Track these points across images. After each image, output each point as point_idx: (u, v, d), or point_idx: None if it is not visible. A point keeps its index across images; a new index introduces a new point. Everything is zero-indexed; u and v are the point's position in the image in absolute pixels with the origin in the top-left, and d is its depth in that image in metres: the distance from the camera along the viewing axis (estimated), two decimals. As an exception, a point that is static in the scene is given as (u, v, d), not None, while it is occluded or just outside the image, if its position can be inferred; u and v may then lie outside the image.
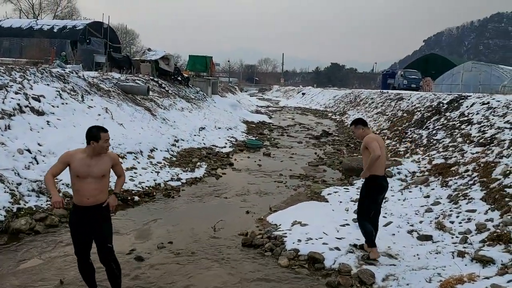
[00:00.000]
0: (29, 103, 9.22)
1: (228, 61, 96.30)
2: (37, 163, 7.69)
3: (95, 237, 4.18)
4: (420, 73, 33.89)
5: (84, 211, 4.07)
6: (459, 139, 10.30)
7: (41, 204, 6.85)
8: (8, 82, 9.48)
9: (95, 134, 4.05)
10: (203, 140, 14.92)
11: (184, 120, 16.20)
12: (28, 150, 7.78)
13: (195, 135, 15.04)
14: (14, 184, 6.83)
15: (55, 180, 7.43)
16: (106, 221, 4.24)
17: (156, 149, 11.49)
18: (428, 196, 7.98)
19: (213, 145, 14.62)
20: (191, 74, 26.94)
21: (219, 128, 18.08)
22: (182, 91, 21.81)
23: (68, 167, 4.07)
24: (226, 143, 15.52)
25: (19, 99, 9.02)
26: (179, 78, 23.53)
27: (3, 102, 8.56)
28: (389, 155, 12.73)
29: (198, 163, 11.51)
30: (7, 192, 6.57)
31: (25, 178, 7.10)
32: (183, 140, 13.69)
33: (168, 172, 10.17)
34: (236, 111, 25.07)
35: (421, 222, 6.86)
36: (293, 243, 6.00)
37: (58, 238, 6.03)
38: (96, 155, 4.10)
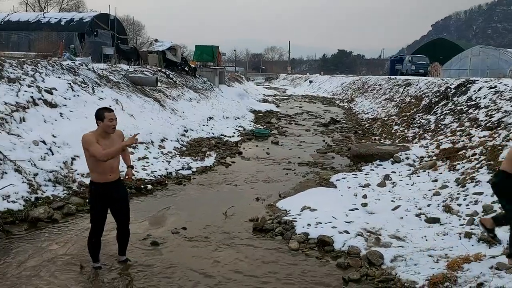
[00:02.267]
0: (42, 96, 9.42)
1: (234, 50, 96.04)
2: (52, 154, 7.89)
3: (120, 209, 4.81)
4: (428, 58, 33.64)
5: (107, 186, 4.58)
6: (467, 124, 10.35)
7: (58, 194, 7.06)
8: (20, 76, 9.68)
9: (100, 114, 4.50)
10: (211, 129, 15.09)
11: (192, 110, 16.36)
12: (43, 142, 7.99)
13: (203, 125, 15.21)
14: (31, 175, 7.04)
15: (71, 171, 7.68)
16: (127, 197, 4.95)
17: (167, 139, 11.67)
18: (436, 180, 8.08)
19: (221, 135, 14.79)
20: (198, 64, 27.02)
21: (227, 117, 18.22)
22: (190, 82, 21.94)
23: (86, 151, 4.49)
24: (234, 132, 15.67)
25: (32, 92, 9.22)
26: (186, 69, 23.61)
27: (17, 95, 8.76)
28: (397, 140, 12.81)
29: (208, 152, 11.69)
30: (25, 182, 6.78)
31: (42, 169, 7.30)
32: (192, 130, 13.87)
33: (179, 161, 10.36)
34: (244, 101, 25.16)
35: (429, 205, 6.97)
36: (303, 227, 6.17)
37: (75, 226, 6.24)
38: (108, 135, 4.55)
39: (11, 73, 9.59)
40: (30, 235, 5.87)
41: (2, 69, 9.45)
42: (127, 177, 4.90)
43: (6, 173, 6.71)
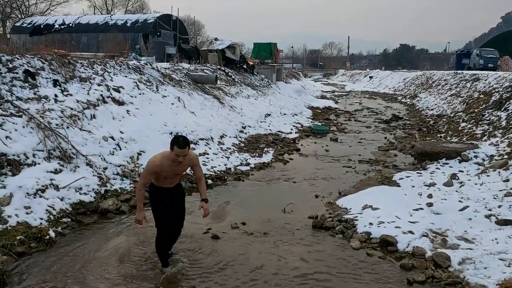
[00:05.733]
0: (111, 94, 9.94)
1: (292, 47, 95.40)
2: (120, 149, 8.32)
3: (177, 213, 4.87)
4: (498, 52, 31.59)
5: (167, 190, 4.70)
6: (544, 120, 9.61)
7: (125, 187, 7.43)
8: (91, 75, 10.26)
9: (171, 145, 4.41)
10: (269, 126, 15.15)
11: (250, 107, 16.50)
12: (112, 137, 8.44)
13: (261, 122, 15.31)
14: (101, 168, 7.46)
15: (137, 166, 8.03)
16: (184, 202, 5.03)
17: (226, 135, 11.88)
18: (507, 180, 7.58)
19: (279, 131, 14.80)
20: (256, 62, 27.21)
21: (285, 114, 18.20)
22: (248, 79, 22.16)
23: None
24: (292, 129, 15.62)
25: (101, 91, 9.76)
26: (245, 66, 23.88)
27: (88, 94, 9.30)
28: (464, 138, 12.18)
29: (266, 149, 11.74)
30: (96, 175, 7.20)
31: (111, 163, 7.72)
32: (250, 127, 14.01)
33: (237, 157, 10.50)
34: (301, 97, 25.01)
35: (499, 206, 6.56)
36: (365, 226, 6.04)
37: (141, 218, 6.52)
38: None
39: (82, 72, 10.19)
40: (100, 225, 6.22)
41: (74, 69, 10.07)
42: (203, 211, 4.70)
43: (78, 166, 7.16)
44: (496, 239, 5.45)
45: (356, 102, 28.11)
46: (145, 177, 4.58)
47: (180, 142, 4.37)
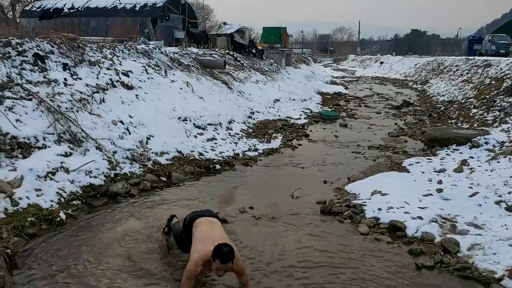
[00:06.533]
0: (120, 78, 9.92)
1: (302, 32, 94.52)
2: (129, 134, 8.33)
3: None
4: (510, 38, 31.00)
5: None
6: (558, 107, 9.45)
7: (135, 171, 7.47)
8: (100, 59, 10.25)
9: (213, 257, 3.74)
10: (278, 112, 15.07)
11: (259, 93, 16.42)
12: (121, 122, 8.45)
13: (270, 107, 15.23)
14: (110, 152, 7.49)
15: (146, 150, 8.05)
16: None
17: (234, 121, 11.86)
18: (518, 167, 7.51)
19: (288, 117, 14.73)
20: (265, 46, 27.00)
21: (294, 99, 18.10)
22: (257, 64, 22.02)
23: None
24: (301, 115, 15.54)
25: (111, 75, 9.73)
26: (254, 51, 23.70)
27: (97, 77, 9.30)
28: (475, 124, 12.05)
29: (274, 135, 11.71)
30: (105, 159, 7.24)
31: (120, 147, 7.74)
32: (258, 112, 13.94)
33: (246, 143, 10.48)
34: (311, 83, 24.84)
35: (509, 193, 6.51)
36: (373, 211, 6.03)
37: (150, 201, 6.58)
38: None
39: (91, 56, 10.18)
40: (110, 208, 6.28)
41: (83, 53, 10.07)
42: None
43: (88, 150, 7.20)
44: (505, 225, 5.42)
45: (366, 88, 27.86)
46: (186, 285, 3.87)
47: (223, 257, 3.69)
